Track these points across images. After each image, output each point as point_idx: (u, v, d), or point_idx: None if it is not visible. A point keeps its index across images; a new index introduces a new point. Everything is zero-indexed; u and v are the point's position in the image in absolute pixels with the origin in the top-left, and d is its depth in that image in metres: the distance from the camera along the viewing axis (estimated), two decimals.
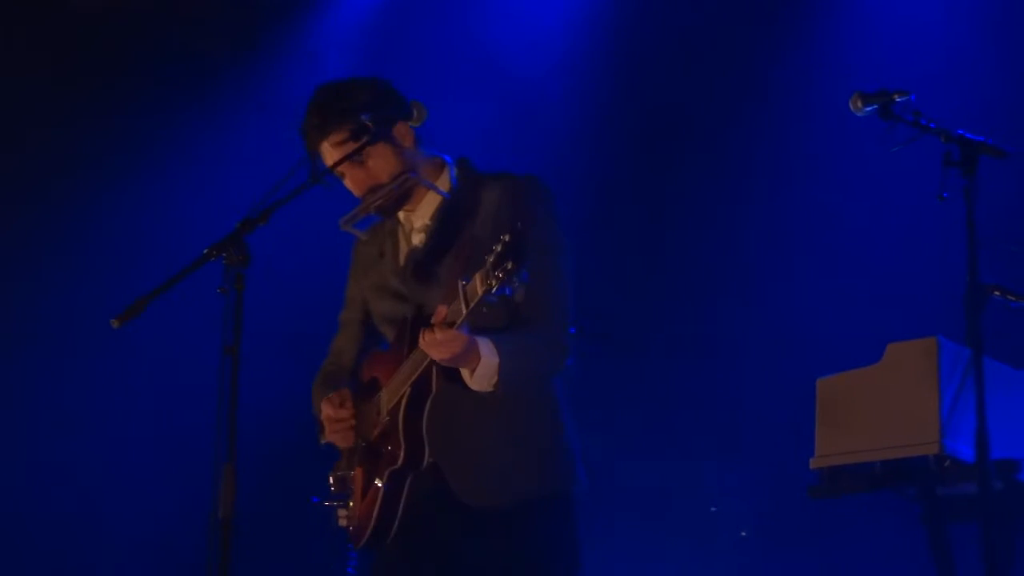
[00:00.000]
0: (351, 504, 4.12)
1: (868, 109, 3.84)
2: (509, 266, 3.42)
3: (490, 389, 3.77)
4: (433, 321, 3.64)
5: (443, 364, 3.72)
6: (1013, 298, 4.08)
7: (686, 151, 7.36)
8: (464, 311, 3.56)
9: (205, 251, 3.62)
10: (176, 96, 7.56)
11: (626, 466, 6.63)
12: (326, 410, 4.13)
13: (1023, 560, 4.22)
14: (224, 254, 3.59)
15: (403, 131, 4.05)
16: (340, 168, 4.01)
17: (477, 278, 3.51)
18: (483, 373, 3.74)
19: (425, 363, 3.79)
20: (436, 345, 3.64)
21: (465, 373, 3.75)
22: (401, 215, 4.13)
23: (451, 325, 3.61)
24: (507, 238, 3.44)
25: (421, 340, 3.67)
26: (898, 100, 3.82)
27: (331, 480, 4.22)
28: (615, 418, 6.65)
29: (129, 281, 6.26)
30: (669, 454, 6.83)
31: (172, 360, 7.15)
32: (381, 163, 4.01)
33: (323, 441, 4.20)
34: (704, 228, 7.36)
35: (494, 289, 3.45)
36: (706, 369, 7.15)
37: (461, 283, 3.57)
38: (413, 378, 3.83)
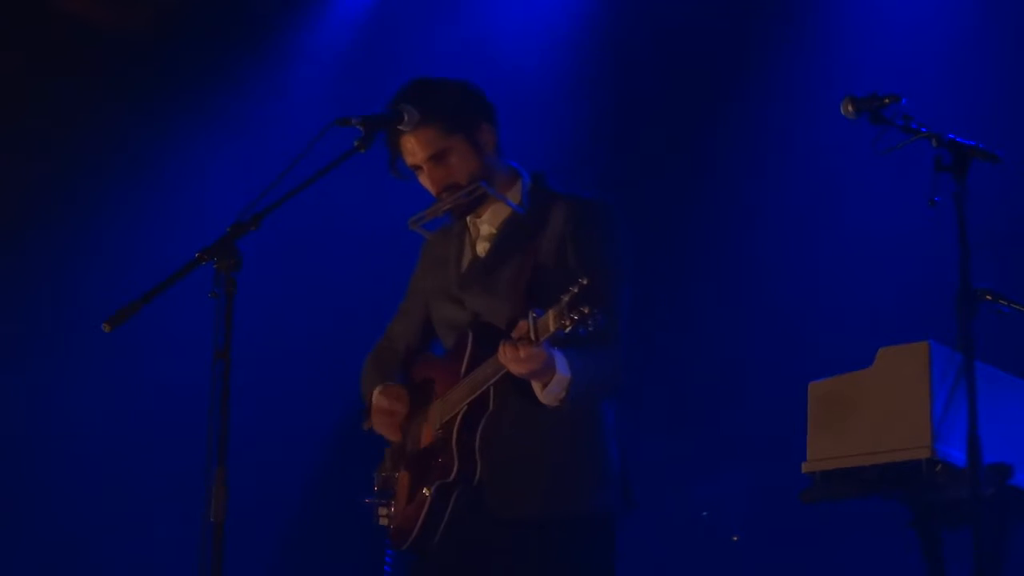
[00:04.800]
0: (392, 505, 4.16)
1: (859, 113, 3.83)
2: (586, 310, 3.49)
3: (556, 404, 3.81)
4: (514, 335, 3.69)
5: (519, 377, 3.76)
6: (1005, 302, 4.08)
7: (677, 153, 7.36)
8: (534, 341, 3.63)
9: (196, 255, 3.61)
10: (172, 101, 7.56)
11: None
12: (380, 401, 4.19)
13: (1014, 565, 4.22)
14: (215, 258, 3.59)
15: (487, 135, 4.10)
16: (420, 163, 4.06)
17: (550, 315, 3.57)
18: (554, 388, 3.78)
19: (488, 383, 3.85)
20: (517, 361, 3.68)
21: (536, 386, 3.80)
22: (468, 220, 4.18)
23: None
24: (585, 281, 3.50)
25: (501, 354, 3.71)
26: (889, 104, 3.82)
27: (375, 478, 4.27)
28: None
29: (120, 285, 6.27)
30: (660, 458, 6.83)
31: (163, 364, 7.14)
32: (462, 163, 4.07)
33: (367, 427, 4.25)
34: (694, 230, 7.36)
35: (567, 329, 3.52)
36: (697, 373, 7.16)
37: (532, 315, 3.64)
38: (473, 396, 3.89)
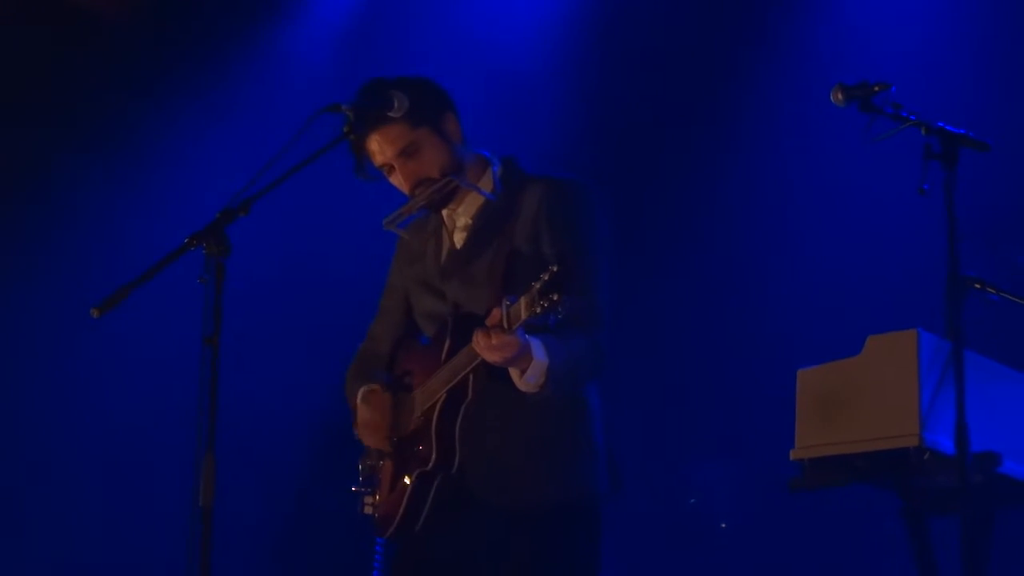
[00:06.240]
0: (377, 494, 4.17)
1: (848, 101, 3.83)
2: (555, 297, 3.49)
3: (536, 390, 3.80)
4: (488, 323, 3.68)
5: (495, 365, 3.75)
6: (993, 291, 4.09)
7: (668, 145, 7.37)
8: (507, 329, 3.63)
9: (185, 240, 3.61)
10: (161, 88, 7.55)
11: None
12: (363, 412, 4.18)
13: (1002, 552, 4.23)
14: (204, 243, 3.59)
15: (452, 124, 4.09)
16: (390, 161, 4.04)
17: (522, 302, 3.57)
18: (532, 374, 3.77)
19: (465, 371, 3.85)
20: (490, 348, 3.67)
21: (514, 373, 3.79)
22: (444, 213, 4.16)
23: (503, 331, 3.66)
24: (555, 268, 3.51)
25: (475, 342, 3.71)
26: (878, 92, 3.81)
27: (360, 468, 4.27)
28: None
29: (109, 270, 6.27)
30: (647, 446, 6.84)
31: (152, 349, 7.14)
32: (433, 156, 4.05)
33: (359, 435, 4.25)
34: (684, 222, 7.37)
35: (538, 315, 3.52)
36: (686, 361, 7.17)
37: (505, 302, 3.63)
38: (451, 384, 3.89)
